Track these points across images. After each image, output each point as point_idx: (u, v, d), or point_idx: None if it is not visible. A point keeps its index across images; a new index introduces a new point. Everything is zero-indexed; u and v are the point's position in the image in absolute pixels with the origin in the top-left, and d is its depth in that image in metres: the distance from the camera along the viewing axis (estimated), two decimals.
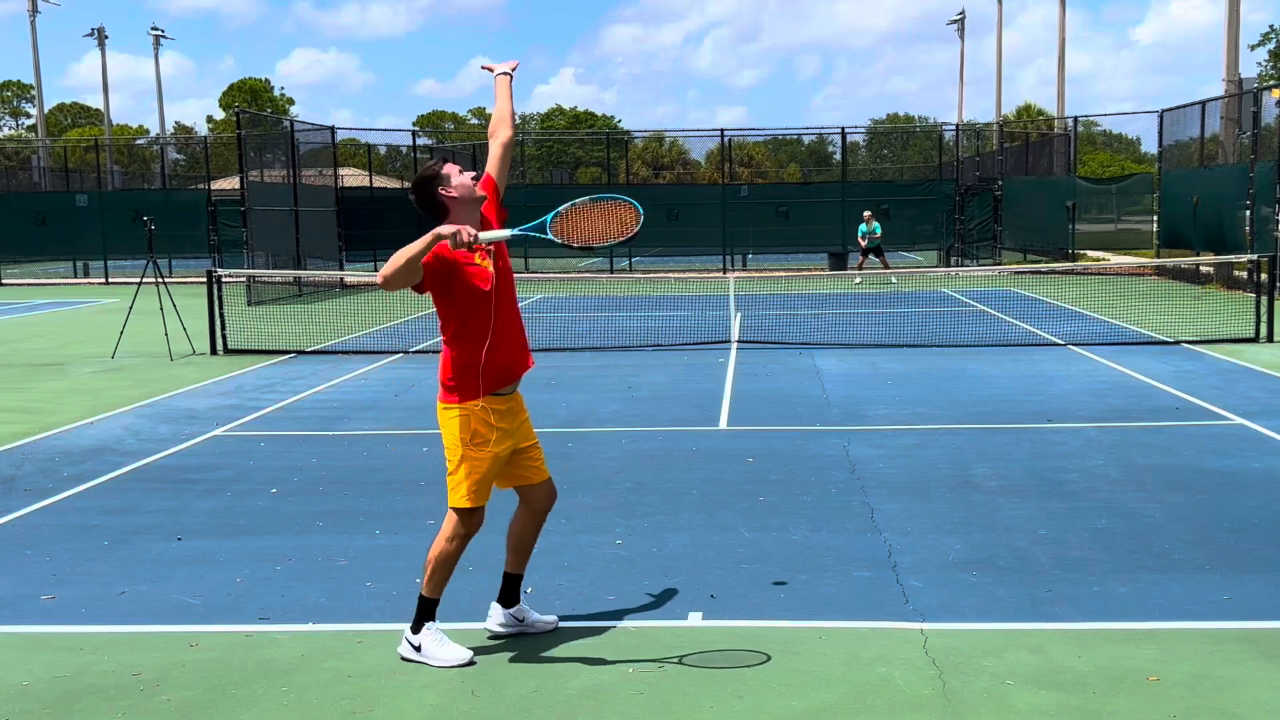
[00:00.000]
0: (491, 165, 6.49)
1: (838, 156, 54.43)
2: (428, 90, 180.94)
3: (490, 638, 6.49)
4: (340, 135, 39.17)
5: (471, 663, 6.12)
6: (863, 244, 34.45)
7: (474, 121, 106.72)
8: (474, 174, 6.24)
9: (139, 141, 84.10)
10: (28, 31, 59.54)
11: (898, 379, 15.52)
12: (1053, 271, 34.04)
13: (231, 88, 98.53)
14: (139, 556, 8.19)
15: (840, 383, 15.32)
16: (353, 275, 31.47)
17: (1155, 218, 37.03)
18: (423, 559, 7.91)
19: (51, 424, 13.20)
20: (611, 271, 39.31)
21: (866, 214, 34.63)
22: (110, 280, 40.52)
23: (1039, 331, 20.59)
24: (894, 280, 33.53)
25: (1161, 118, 35.86)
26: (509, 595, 6.60)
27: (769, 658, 6.15)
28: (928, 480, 9.99)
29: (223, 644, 6.49)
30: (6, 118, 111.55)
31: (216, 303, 19.28)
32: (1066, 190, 39.08)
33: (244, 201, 30.26)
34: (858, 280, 32.78)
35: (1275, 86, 28.59)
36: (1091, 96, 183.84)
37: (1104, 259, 39.74)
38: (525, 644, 6.39)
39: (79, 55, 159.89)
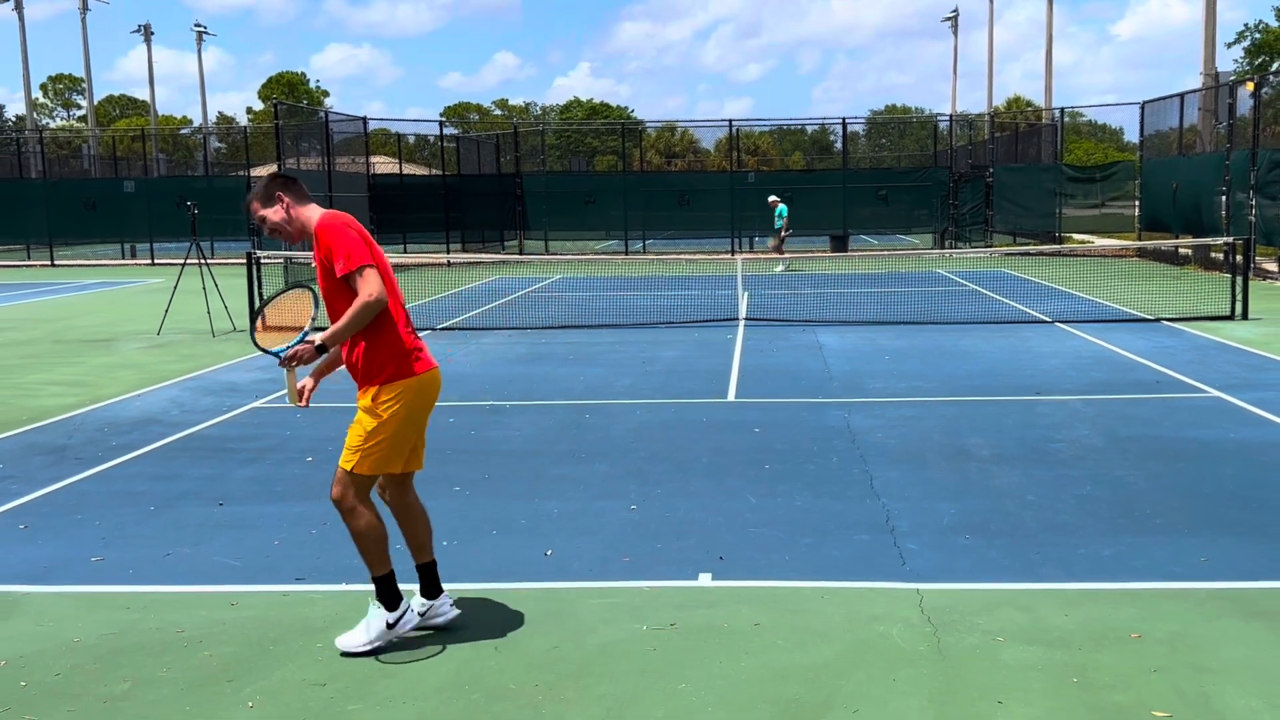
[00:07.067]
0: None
1: (839, 145, 54.19)
2: (453, 83, 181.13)
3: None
4: (372, 125, 39.06)
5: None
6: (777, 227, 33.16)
7: (497, 112, 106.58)
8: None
9: (183, 131, 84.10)
10: (79, 28, 59.50)
11: (895, 354, 15.47)
12: (1041, 253, 33.90)
13: (270, 80, 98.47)
14: (183, 521, 8.19)
15: (841, 358, 15.27)
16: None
17: (1137, 203, 36.90)
18: (450, 522, 7.92)
19: (101, 396, 13.21)
20: (626, 253, 39.22)
21: (772, 199, 33.39)
22: (156, 261, 40.55)
23: (1028, 310, 20.50)
24: (781, 267, 31.73)
25: (1143, 109, 35.69)
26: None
27: (775, 616, 6.13)
28: (924, 449, 9.94)
29: (261, 603, 6.48)
30: (59, 109, 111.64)
31: (256, 282, 19.27)
32: (1054, 177, 38.92)
33: None
34: (780, 268, 31.21)
35: (1250, 79, 28.41)
36: (1074, 88, 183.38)
37: (1089, 241, 39.57)
38: (545, 605, 6.37)
39: (126, 50, 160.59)
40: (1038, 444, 10.07)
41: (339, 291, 5.71)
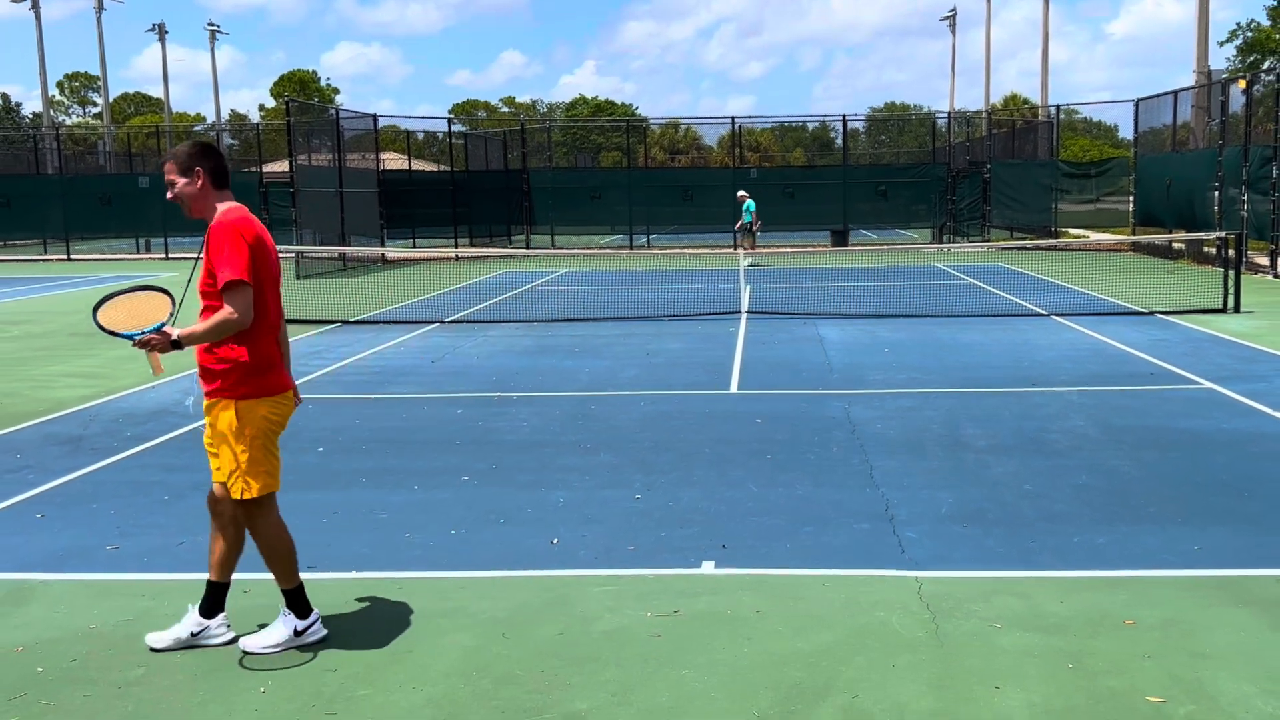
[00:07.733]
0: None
1: (839, 142, 54.15)
2: (462, 81, 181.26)
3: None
4: (381, 123, 39.02)
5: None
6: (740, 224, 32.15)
7: (504, 110, 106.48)
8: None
9: (196, 128, 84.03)
10: (94, 27, 59.55)
11: (895, 346, 15.45)
12: (1037, 248, 33.89)
13: (281, 78, 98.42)
14: (196, 510, 8.15)
15: (842, 350, 15.26)
16: (393, 251, 31.43)
17: (1131, 198, 36.83)
18: (457, 512, 7.92)
19: (116, 388, 13.22)
20: (631, 248, 39.19)
21: (741, 194, 32.25)
22: (170, 255, 40.56)
23: (1024, 303, 20.48)
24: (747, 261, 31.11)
25: (1137, 106, 35.61)
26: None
27: (776, 603, 6.13)
28: (923, 440, 9.93)
29: (273, 591, 6.45)
30: (75, 106, 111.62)
31: None
32: (1050, 173, 38.86)
33: (293, 183, 30.24)
34: (747, 262, 30.49)
35: (1242, 77, 28.37)
36: (1070, 86, 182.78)
37: (1084, 236, 39.53)
38: (551, 592, 6.38)
39: (141, 49, 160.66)
40: (1034, 434, 10.06)
41: (215, 293, 5.62)
